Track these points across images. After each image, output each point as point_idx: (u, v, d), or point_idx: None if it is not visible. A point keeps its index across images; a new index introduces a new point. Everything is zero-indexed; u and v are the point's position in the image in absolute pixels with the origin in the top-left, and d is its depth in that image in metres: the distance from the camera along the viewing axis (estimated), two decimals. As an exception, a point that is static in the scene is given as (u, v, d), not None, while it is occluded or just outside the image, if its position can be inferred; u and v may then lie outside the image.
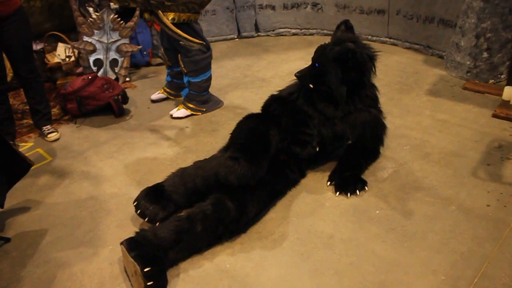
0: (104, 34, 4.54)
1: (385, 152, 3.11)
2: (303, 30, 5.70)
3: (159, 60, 5.12)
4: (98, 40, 4.53)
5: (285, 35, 5.73)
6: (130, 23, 4.58)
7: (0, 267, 2.40)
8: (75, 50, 4.67)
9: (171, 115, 3.87)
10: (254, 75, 4.62)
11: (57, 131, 3.69)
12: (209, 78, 3.83)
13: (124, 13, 4.70)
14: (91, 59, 4.55)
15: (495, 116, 3.46)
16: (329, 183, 2.86)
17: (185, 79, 3.81)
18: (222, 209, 2.38)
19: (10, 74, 4.04)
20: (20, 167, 2.68)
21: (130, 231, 2.49)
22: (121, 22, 4.54)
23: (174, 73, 4.02)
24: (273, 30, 5.74)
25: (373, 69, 2.88)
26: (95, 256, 2.43)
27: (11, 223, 2.74)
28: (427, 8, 4.58)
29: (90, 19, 4.47)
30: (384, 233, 2.43)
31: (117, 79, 4.59)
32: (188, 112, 3.86)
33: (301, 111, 2.88)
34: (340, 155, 3.01)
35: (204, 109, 3.90)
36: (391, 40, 5.10)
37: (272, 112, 2.93)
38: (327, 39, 3.01)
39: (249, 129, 2.75)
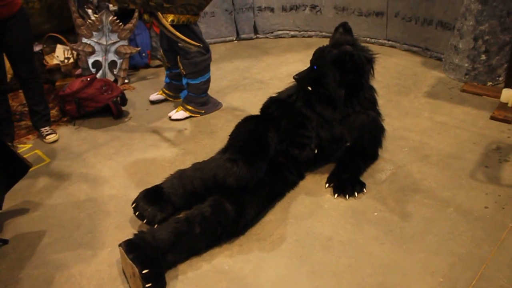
0: (103, 36, 4.54)
1: (384, 154, 3.12)
2: (301, 32, 5.71)
3: (157, 62, 5.12)
4: (97, 42, 4.53)
5: (283, 37, 5.74)
6: (129, 25, 4.59)
7: (-2, 269, 2.40)
8: (74, 51, 4.67)
9: (170, 117, 3.87)
10: (253, 77, 4.62)
11: (55, 133, 3.69)
12: (208, 80, 3.84)
13: (123, 15, 4.70)
14: (90, 60, 4.55)
15: (493, 118, 3.47)
16: (327, 185, 2.86)
17: (184, 81, 3.81)
18: (220, 211, 2.38)
19: (8, 75, 4.04)
20: (18, 168, 2.67)
21: (129, 233, 2.49)
22: (120, 24, 4.55)
23: (173, 75, 4.02)
24: (272, 32, 5.75)
25: (372, 72, 2.89)
26: (93, 258, 2.43)
27: (9, 224, 2.74)
28: (426, 10, 4.59)
29: (89, 20, 4.47)
30: (383, 235, 2.43)
31: (116, 80, 4.59)
32: (187, 114, 3.86)
33: (300, 113, 2.89)
34: (339, 157, 3.02)
35: (203, 111, 3.90)
36: (390, 42, 5.11)
37: (271, 114, 2.93)
38: (326, 41, 3.02)
39: (247, 131, 2.76)
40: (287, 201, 2.76)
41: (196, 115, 3.87)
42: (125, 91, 4.22)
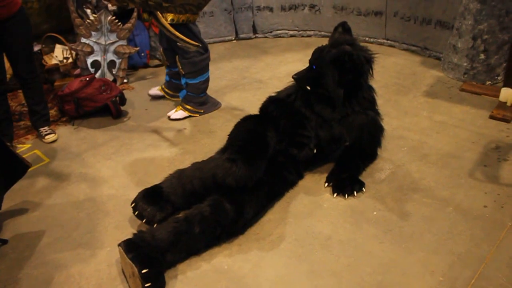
0: (101, 36, 4.54)
1: (383, 153, 3.12)
2: (300, 32, 5.71)
3: (156, 62, 5.12)
4: (95, 42, 4.53)
5: (282, 37, 5.74)
6: (128, 25, 4.59)
7: (-2, 269, 2.40)
8: (72, 51, 4.66)
9: (169, 117, 3.87)
10: (252, 76, 4.62)
11: (54, 133, 3.69)
12: (207, 80, 3.84)
13: (122, 15, 4.70)
14: (89, 60, 4.54)
15: (492, 117, 3.47)
16: (326, 184, 2.86)
17: (183, 81, 3.81)
18: (220, 210, 2.38)
19: (8, 75, 4.03)
20: (17, 168, 2.67)
21: (128, 232, 2.49)
22: (119, 23, 4.54)
23: (173, 73, 4.02)
24: (271, 32, 5.75)
25: (370, 72, 2.89)
26: (92, 257, 2.43)
27: (9, 224, 2.74)
28: (425, 9, 4.60)
29: (88, 20, 4.47)
30: (382, 234, 2.44)
31: (114, 80, 4.59)
32: (186, 114, 3.86)
33: (299, 113, 2.89)
34: (338, 157, 3.02)
35: (202, 111, 3.90)
36: (389, 41, 5.11)
37: (270, 114, 2.93)
38: (325, 41, 3.02)
39: (247, 131, 2.76)
40: (286, 200, 2.76)
41: (195, 115, 3.87)
42: (124, 91, 4.22)
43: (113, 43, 4.58)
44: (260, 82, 4.47)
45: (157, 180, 2.72)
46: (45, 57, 4.74)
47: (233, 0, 5.52)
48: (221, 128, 3.64)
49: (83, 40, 4.51)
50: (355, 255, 2.31)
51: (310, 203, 2.73)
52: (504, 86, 3.69)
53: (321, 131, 2.86)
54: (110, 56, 4.59)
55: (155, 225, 2.46)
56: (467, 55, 3.99)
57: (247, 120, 2.91)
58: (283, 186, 2.80)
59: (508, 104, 3.56)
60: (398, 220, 2.53)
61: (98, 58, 4.56)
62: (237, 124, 2.90)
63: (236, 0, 5.52)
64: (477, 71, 4.01)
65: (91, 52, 4.52)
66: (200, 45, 3.44)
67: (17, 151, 3.33)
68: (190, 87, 3.79)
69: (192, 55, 3.63)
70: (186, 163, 2.90)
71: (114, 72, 4.62)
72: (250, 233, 2.51)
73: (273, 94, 3.11)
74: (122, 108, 4.02)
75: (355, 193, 2.74)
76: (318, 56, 2.85)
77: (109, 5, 4.57)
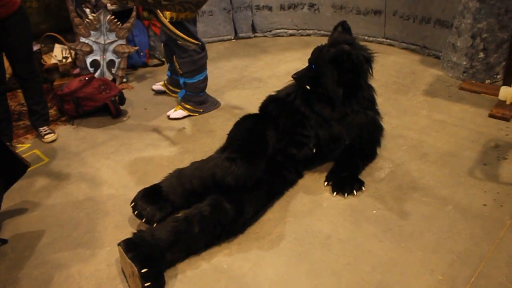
0: (101, 35, 4.53)
1: (382, 152, 3.12)
2: (300, 31, 5.70)
3: (156, 61, 5.12)
4: (95, 41, 4.53)
5: (282, 36, 5.73)
6: (127, 24, 4.58)
7: (-3, 268, 2.40)
8: (72, 51, 4.66)
9: (168, 116, 3.87)
10: (251, 75, 4.62)
11: (54, 132, 3.68)
12: (205, 79, 3.83)
13: (121, 14, 4.70)
14: (88, 60, 4.54)
15: (491, 116, 3.48)
16: (326, 183, 2.86)
17: (181, 80, 3.81)
18: (219, 210, 2.38)
19: (7, 74, 4.03)
20: (17, 168, 2.67)
21: (128, 232, 2.49)
22: (118, 23, 4.54)
23: (174, 69, 4.01)
24: (270, 31, 5.75)
25: (370, 71, 2.89)
26: (92, 257, 2.43)
27: (8, 224, 2.74)
28: (424, 8, 4.59)
29: (87, 20, 4.47)
30: (381, 233, 2.44)
31: (114, 80, 4.58)
32: (185, 113, 3.86)
33: (299, 112, 2.88)
34: (337, 156, 3.01)
35: (201, 110, 3.90)
36: (388, 40, 5.10)
37: (269, 113, 2.93)
38: (324, 40, 3.02)
39: (246, 130, 2.76)
40: (286, 199, 2.76)
41: (194, 114, 3.87)
42: (123, 90, 4.22)
43: (112, 42, 4.57)
44: (260, 81, 4.47)
45: (156, 180, 2.72)
46: (44, 57, 4.74)
47: (232, -1, 5.52)
48: (220, 127, 3.64)
49: (82, 39, 4.50)
50: (354, 254, 2.31)
51: (310, 202, 2.73)
52: (504, 84, 3.69)
53: (320, 131, 2.86)
54: (110, 56, 4.59)
55: (154, 225, 2.46)
56: (467, 53, 3.99)
57: (247, 119, 2.91)
58: (283, 185, 2.80)
59: (508, 102, 3.56)
60: (397, 219, 2.53)
61: (97, 58, 4.56)
62: (236, 123, 2.90)
63: (235, -1, 5.53)
64: (476, 70, 4.01)
65: (90, 51, 4.52)
66: (199, 43, 3.45)
67: (17, 151, 3.32)
68: (188, 87, 3.79)
69: (189, 54, 3.63)
70: (185, 163, 2.90)
71: (113, 72, 4.62)
72: (250, 232, 2.51)
73: (272, 93, 3.11)
74: (122, 107, 4.02)
75: (354, 192, 2.74)
76: (317, 55, 2.85)
77: (108, 4, 4.56)
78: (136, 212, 2.54)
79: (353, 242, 2.40)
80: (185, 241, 2.29)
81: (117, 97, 3.95)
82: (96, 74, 4.46)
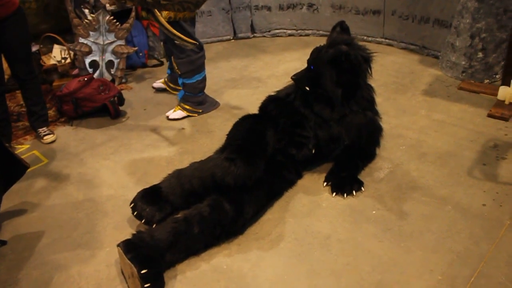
0: (99, 36, 4.53)
1: (381, 152, 3.12)
2: (299, 31, 5.70)
3: (155, 62, 5.12)
4: (93, 42, 4.52)
5: (281, 36, 5.73)
6: (126, 25, 4.58)
7: (-3, 270, 2.40)
8: (70, 51, 4.65)
9: (167, 117, 3.86)
10: (250, 75, 4.62)
11: (53, 133, 3.68)
12: (204, 79, 3.83)
13: (120, 15, 4.69)
14: (87, 60, 4.54)
15: (490, 115, 3.48)
16: (325, 183, 2.86)
17: (180, 81, 3.81)
18: (219, 210, 2.38)
19: (6, 75, 4.02)
20: (16, 169, 2.67)
21: (127, 233, 2.49)
22: (117, 23, 4.54)
23: (173, 67, 4.01)
24: (269, 31, 5.75)
25: (369, 71, 2.89)
26: (92, 258, 2.43)
27: (8, 225, 2.74)
28: (423, 8, 4.60)
29: (86, 20, 4.46)
30: (381, 233, 2.44)
31: (113, 80, 4.58)
32: (184, 114, 3.85)
33: (298, 112, 2.89)
34: (337, 156, 3.01)
35: (200, 110, 3.90)
36: (387, 40, 5.11)
37: (269, 113, 2.93)
38: (323, 40, 3.02)
39: (246, 130, 2.76)
40: (286, 200, 2.76)
41: (193, 115, 3.87)
42: (122, 91, 4.22)
43: (111, 43, 4.57)
44: (259, 81, 4.47)
45: (156, 180, 2.72)
46: (43, 57, 4.73)
47: (231, -1, 5.52)
48: (219, 127, 3.64)
49: (81, 40, 4.50)
50: (354, 254, 2.32)
51: (309, 203, 2.73)
52: (502, 84, 3.70)
53: (320, 131, 2.86)
54: (108, 56, 4.58)
55: (154, 225, 2.46)
56: (465, 53, 4.00)
57: (246, 119, 2.91)
58: (282, 186, 2.80)
59: (506, 102, 3.57)
60: (397, 219, 2.53)
61: (96, 58, 4.56)
62: (236, 123, 2.90)
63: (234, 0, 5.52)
64: (475, 70, 4.02)
65: (89, 52, 4.52)
66: (197, 43, 3.45)
67: (16, 152, 3.32)
68: (187, 87, 3.78)
69: (187, 55, 3.62)
70: (185, 163, 2.90)
71: (112, 72, 4.62)
72: (250, 233, 2.51)
73: (272, 93, 3.11)
74: (121, 108, 4.01)
75: (354, 192, 2.74)
76: (316, 56, 2.85)
77: (107, 5, 4.56)
78: (135, 213, 2.53)
79: (353, 242, 2.40)
80: (185, 241, 2.29)
81: (116, 98, 3.94)
82: (95, 75, 4.45)
